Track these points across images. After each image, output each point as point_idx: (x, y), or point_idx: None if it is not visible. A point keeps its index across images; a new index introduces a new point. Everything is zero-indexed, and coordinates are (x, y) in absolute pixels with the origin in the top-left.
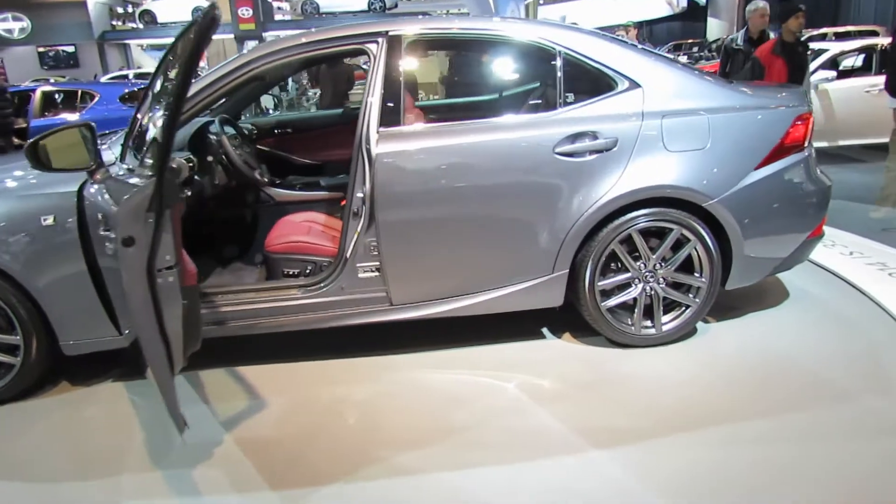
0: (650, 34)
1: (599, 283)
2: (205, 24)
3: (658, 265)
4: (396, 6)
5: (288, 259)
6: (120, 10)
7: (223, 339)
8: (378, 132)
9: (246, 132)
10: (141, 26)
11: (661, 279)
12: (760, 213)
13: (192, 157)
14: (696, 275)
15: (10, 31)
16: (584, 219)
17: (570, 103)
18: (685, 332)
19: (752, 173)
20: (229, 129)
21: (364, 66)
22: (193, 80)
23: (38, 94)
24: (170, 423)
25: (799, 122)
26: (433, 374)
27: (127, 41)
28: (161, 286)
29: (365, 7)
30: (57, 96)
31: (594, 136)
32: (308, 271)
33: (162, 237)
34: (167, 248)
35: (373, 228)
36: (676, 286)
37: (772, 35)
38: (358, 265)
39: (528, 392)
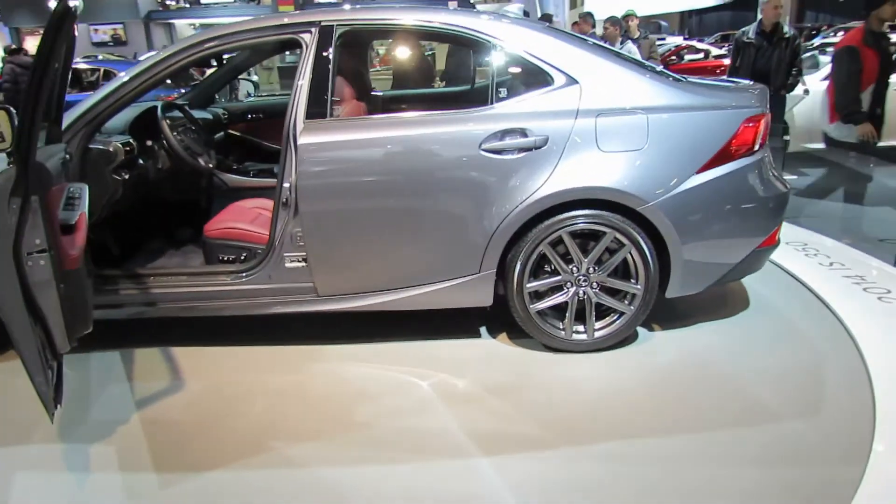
0: (699, 23)
1: (528, 285)
2: (55, 17)
3: (591, 269)
4: None
5: (223, 245)
6: None
7: (162, 319)
8: (304, 122)
9: (214, 117)
10: (187, 6)
11: (594, 283)
12: (702, 219)
13: (131, 140)
14: (632, 281)
15: None
16: (510, 218)
17: (503, 98)
18: (621, 340)
19: (693, 177)
20: (176, 114)
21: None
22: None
23: None
24: (86, 399)
25: (749, 125)
26: (354, 366)
27: (171, 20)
28: (31, 269)
29: None
30: (86, 75)
31: (523, 133)
32: (243, 258)
33: (29, 221)
34: (37, 232)
35: (298, 218)
36: (611, 292)
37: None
38: (285, 255)
39: (440, 392)
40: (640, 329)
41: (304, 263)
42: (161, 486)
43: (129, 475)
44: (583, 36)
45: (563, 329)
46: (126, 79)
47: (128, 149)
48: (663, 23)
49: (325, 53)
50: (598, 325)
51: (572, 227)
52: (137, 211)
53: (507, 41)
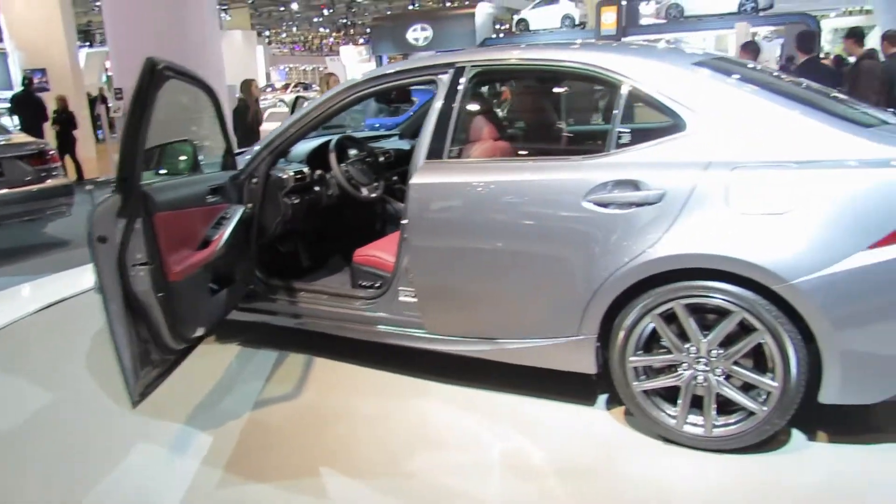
0: None
1: (632, 359)
2: (143, 80)
3: (714, 352)
4: (772, 6)
5: (364, 271)
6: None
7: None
8: (423, 162)
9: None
10: (517, 33)
11: (717, 370)
12: (872, 309)
13: (304, 169)
14: (769, 375)
15: (416, 39)
16: (611, 280)
17: (624, 144)
18: (750, 443)
19: (861, 253)
20: (352, 149)
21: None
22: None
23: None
24: (226, 390)
25: None
26: (444, 409)
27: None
28: (132, 278)
29: (735, 9)
30: None
31: (635, 185)
32: (378, 286)
33: (132, 238)
34: (138, 247)
35: (410, 254)
36: (744, 384)
37: None
38: (400, 288)
39: (507, 458)
40: (796, 433)
41: (415, 299)
42: (218, 485)
43: (202, 467)
44: (752, 65)
45: (675, 417)
46: (297, 116)
47: (299, 176)
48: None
49: (451, 94)
50: (720, 420)
51: (689, 299)
52: (309, 232)
53: (640, 79)
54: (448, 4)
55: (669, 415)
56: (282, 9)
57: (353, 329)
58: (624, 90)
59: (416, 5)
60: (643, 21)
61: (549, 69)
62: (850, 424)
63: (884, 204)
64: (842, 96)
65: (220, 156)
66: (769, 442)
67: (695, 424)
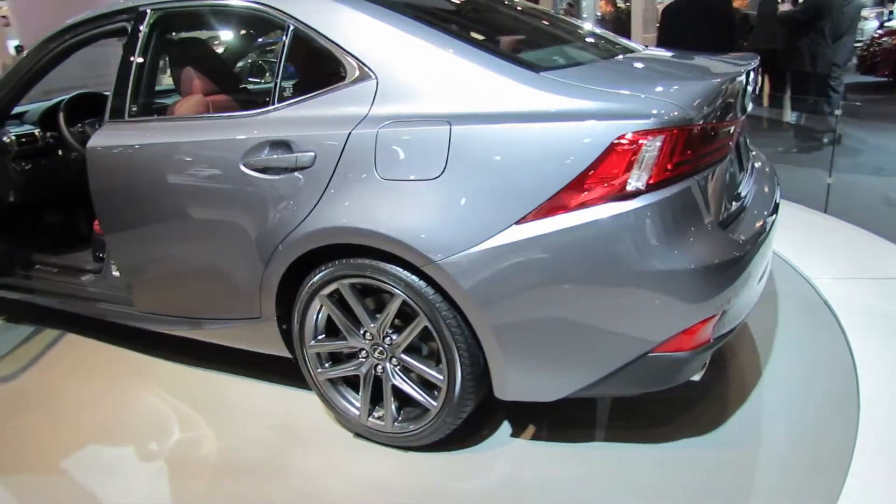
0: None
1: (311, 344)
2: None
3: (388, 339)
4: None
5: (102, 241)
6: None
7: None
8: (105, 123)
9: None
10: None
11: (394, 359)
12: (529, 297)
13: (34, 132)
14: (441, 366)
15: None
16: (275, 258)
17: (287, 99)
18: (431, 441)
19: (511, 228)
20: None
21: None
22: None
23: None
24: None
25: (625, 146)
26: (156, 392)
27: None
28: None
29: None
30: None
31: (287, 147)
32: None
33: None
34: None
35: (102, 226)
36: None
37: None
38: (111, 262)
39: (181, 448)
40: (509, 426)
41: (119, 273)
42: None
43: None
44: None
45: (360, 410)
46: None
47: (25, 139)
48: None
49: (132, 45)
50: (402, 415)
51: (351, 279)
52: (55, 200)
53: (306, 20)
54: None
55: (356, 406)
56: None
57: (77, 306)
58: (289, 32)
59: None
60: None
61: (224, 10)
62: (564, 422)
63: (534, 171)
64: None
65: None
66: (464, 439)
67: (379, 418)
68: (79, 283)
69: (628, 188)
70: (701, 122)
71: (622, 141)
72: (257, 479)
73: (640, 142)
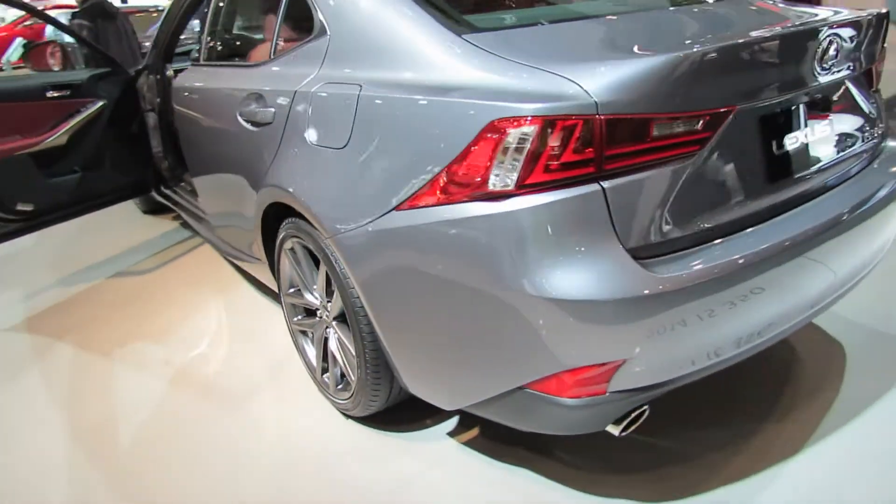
0: None
1: (287, 294)
2: None
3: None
4: None
5: None
6: None
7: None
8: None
9: None
10: None
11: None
12: (403, 290)
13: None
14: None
15: None
16: (255, 209)
17: (280, 53)
18: (363, 415)
19: (391, 214)
20: None
21: None
22: None
23: None
24: None
25: (492, 135)
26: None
27: None
28: None
29: None
30: None
31: (262, 100)
32: None
33: None
34: None
35: None
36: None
37: None
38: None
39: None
40: (455, 425)
41: None
42: None
43: None
44: None
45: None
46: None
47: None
48: None
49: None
50: (342, 384)
51: (296, 239)
52: None
53: None
54: None
55: (312, 360)
56: None
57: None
58: None
59: None
60: None
61: None
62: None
63: (416, 152)
64: None
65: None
66: (404, 422)
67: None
68: (193, 202)
69: (491, 187)
70: (626, 112)
71: (491, 128)
72: (219, 403)
73: (508, 130)
